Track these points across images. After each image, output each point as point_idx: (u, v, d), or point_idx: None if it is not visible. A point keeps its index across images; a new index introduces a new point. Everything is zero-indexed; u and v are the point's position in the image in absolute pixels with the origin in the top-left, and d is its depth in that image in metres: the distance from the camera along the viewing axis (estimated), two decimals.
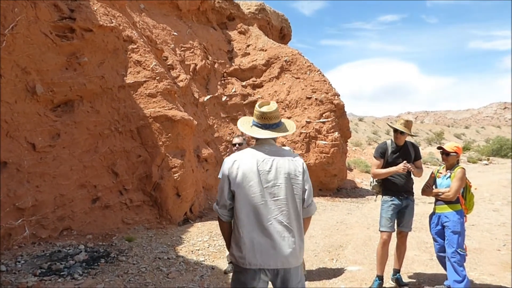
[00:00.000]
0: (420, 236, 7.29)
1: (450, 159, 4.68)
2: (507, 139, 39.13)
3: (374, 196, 5.11)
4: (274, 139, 2.86)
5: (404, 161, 4.74)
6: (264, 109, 2.81)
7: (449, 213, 4.60)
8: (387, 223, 4.79)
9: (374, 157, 4.97)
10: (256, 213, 2.64)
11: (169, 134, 8.42)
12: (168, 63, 10.91)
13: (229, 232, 2.81)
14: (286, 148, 5.32)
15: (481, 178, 16.79)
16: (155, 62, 8.85)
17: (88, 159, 7.40)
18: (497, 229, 7.76)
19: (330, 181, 13.48)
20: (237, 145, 5.24)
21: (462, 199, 4.56)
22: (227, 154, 13.02)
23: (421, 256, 6.05)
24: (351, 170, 19.72)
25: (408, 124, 4.89)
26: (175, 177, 8.30)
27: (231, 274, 5.37)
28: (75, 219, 6.93)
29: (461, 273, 4.44)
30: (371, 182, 5.11)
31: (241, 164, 2.71)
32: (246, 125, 2.92)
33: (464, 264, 4.51)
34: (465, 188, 4.58)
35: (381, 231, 4.88)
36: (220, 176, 2.93)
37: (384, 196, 4.88)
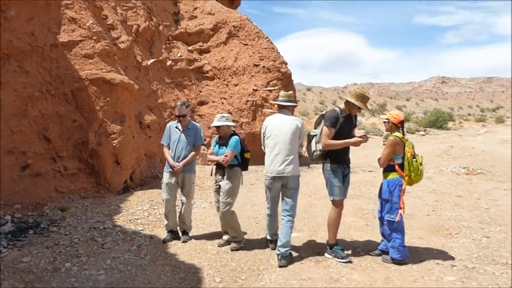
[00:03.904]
0: (358, 203, 7.50)
1: (385, 126, 4.83)
2: (443, 111, 41.39)
3: (309, 165, 5.07)
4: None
5: (364, 134, 4.73)
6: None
7: (383, 181, 4.72)
8: (340, 191, 4.70)
9: (327, 126, 4.59)
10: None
11: (107, 99, 7.96)
12: (108, 23, 10.22)
13: None
14: (226, 115, 5.20)
15: (417, 148, 17.47)
16: (92, 21, 8.23)
17: (16, 123, 6.83)
18: (428, 195, 8.14)
19: None
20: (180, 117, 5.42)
21: (398, 168, 4.58)
22: (171, 120, 12.63)
23: (357, 222, 6.22)
24: None
25: (367, 99, 4.87)
26: (113, 144, 7.92)
27: (170, 243, 5.28)
28: (1, 188, 6.43)
29: (393, 239, 4.53)
30: (313, 151, 4.82)
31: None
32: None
33: (397, 231, 4.53)
34: (404, 157, 4.60)
35: (337, 200, 4.69)
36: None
37: (332, 165, 4.72)
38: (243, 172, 5.25)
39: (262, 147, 5.08)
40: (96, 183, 7.94)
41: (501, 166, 11.92)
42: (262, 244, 5.26)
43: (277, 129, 4.81)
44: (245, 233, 5.67)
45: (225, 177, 5.05)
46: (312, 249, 5.03)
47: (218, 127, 5.13)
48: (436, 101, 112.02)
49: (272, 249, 4.99)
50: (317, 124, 4.93)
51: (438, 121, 36.13)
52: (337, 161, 4.73)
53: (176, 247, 5.10)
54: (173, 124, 5.58)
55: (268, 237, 5.15)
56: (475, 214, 6.62)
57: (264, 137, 5.00)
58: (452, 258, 4.65)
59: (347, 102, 4.75)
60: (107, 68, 8.18)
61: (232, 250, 4.99)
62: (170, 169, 5.37)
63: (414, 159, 4.52)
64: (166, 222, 5.49)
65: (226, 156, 4.93)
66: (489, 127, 40.15)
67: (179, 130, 5.45)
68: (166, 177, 5.42)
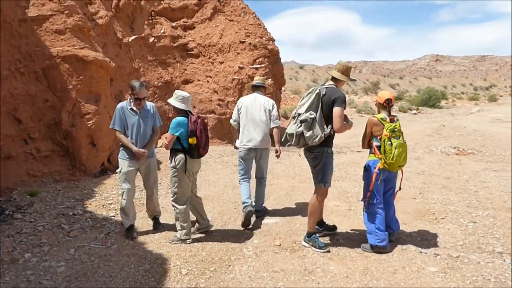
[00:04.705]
0: (343, 185, 7.24)
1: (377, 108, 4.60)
2: (436, 90, 41.11)
3: (299, 150, 4.53)
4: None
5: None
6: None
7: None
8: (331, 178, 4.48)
9: (343, 108, 4.15)
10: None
11: (81, 77, 7.56)
12: None
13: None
14: (181, 95, 4.65)
15: (408, 127, 17.34)
16: None
17: None
18: (416, 177, 7.90)
19: None
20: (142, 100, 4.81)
21: (375, 149, 4.38)
22: (155, 100, 12.25)
23: (340, 207, 5.95)
24: (287, 118, 19.64)
25: (350, 70, 4.49)
26: (88, 125, 7.55)
27: (139, 230, 4.95)
28: None
29: (367, 225, 4.36)
30: (318, 136, 4.13)
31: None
32: None
33: (369, 215, 4.37)
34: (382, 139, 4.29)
35: (327, 187, 4.41)
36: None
37: (328, 149, 4.36)
38: (228, 154, 4.92)
39: (232, 120, 5.63)
40: (71, 165, 7.60)
41: (492, 146, 11.71)
42: (237, 232, 4.98)
43: (253, 107, 5.43)
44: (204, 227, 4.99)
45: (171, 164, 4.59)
46: (289, 236, 4.75)
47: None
48: (429, 80, 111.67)
49: (244, 218, 5.17)
50: (315, 106, 4.18)
51: (431, 100, 35.84)
52: (331, 145, 4.42)
53: (146, 236, 4.81)
54: (125, 105, 4.80)
55: (243, 208, 5.31)
56: (462, 197, 6.38)
57: (239, 113, 5.52)
58: (436, 246, 4.40)
59: (335, 79, 4.38)
60: (80, 45, 7.74)
61: (169, 242, 4.57)
62: (129, 156, 4.76)
63: (389, 142, 4.18)
64: (125, 216, 4.79)
65: (166, 138, 4.48)
66: (482, 105, 40.03)
67: (135, 112, 4.80)
68: (125, 166, 4.74)
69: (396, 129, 4.24)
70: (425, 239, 4.60)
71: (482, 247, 4.38)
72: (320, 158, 4.30)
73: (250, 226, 5.11)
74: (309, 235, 4.41)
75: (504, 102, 47.29)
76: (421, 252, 4.20)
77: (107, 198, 6.22)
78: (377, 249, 4.23)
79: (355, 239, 4.65)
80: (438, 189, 6.91)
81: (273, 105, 5.47)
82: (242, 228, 5.07)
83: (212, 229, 5.01)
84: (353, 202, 6.19)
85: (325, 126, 4.17)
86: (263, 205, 5.75)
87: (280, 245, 4.45)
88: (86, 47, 7.84)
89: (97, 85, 7.88)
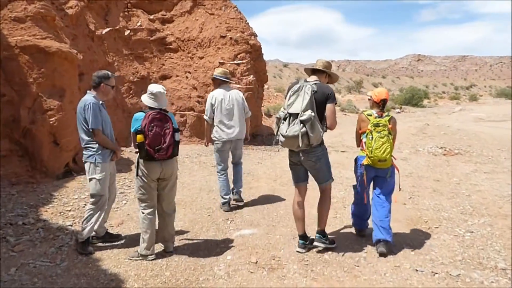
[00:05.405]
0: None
1: (369, 103, 4.57)
2: (418, 89, 41.20)
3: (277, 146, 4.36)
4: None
5: None
6: None
7: None
8: None
9: (335, 104, 4.04)
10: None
11: (42, 69, 6.87)
12: None
13: None
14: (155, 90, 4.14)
15: None
16: None
17: None
18: (404, 180, 7.42)
19: None
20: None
21: (362, 145, 4.39)
22: (130, 96, 11.58)
23: None
24: (270, 116, 19.10)
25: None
26: (51, 122, 6.87)
27: (96, 245, 4.32)
28: None
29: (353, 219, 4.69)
30: (322, 132, 4.01)
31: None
32: None
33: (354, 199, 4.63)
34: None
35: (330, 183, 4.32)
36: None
37: (323, 145, 4.16)
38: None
39: (205, 116, 5.79)
40: (31, 167, 6.91)
41: (478, 145, 11.40)
42: (209, 245, 4.40)
43: (227, 100, 5.68)
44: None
45: None
46: (267, 250, 4.18)
47: None
48: (411, 79, 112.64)
49: (224, 211, 5.55)
50: (311, 103, 3.86)
51: (414, 99, 35.82)
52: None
53: (103, 250, 4.19)
54: (95, 101, 4.17)
55: (222, 200, 5.64)
56: (455, 203, 5.93)
57: (213, 108, 5.66)
58: (433, 262, 3.91)
59: (325, 75, 4.23)
60: (42, 35, 7.05)
61: (129, 258, 3.98)
62: (108, 158, 4.20)
63: (371, 136, 4.15)
64: (95, 228, 4.18)
65: None
66: (464, 105, 40.17)
67: (104, 107, 4.28)
68: (106, 168, 4.18)
69: (380, 124, 4.17)
70: (420, 253, 4.10)
71: (483, 262, 3.91)
72: (322, 156, 4.13)
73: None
74: (324, 233, 4.28)
75: (484, 102, 47.74)
76: (416, 270, 3.69)
77: (67, 204, 5.58)
78: (358, 233, 4.66)
79: (342, 254, 4.11)
80: (429, 193, 6.45)
81: (243, 98, 5.88)
82: (214, 238, 4.50)
83: (180, 241, 4.42)
84: (338, 208, 5.67)
85: (321, 124, 3.98)
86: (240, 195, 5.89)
87: (256, 262, 3.87)
88: (49, 37, 7.15)
89: (61, 79, 7.19)
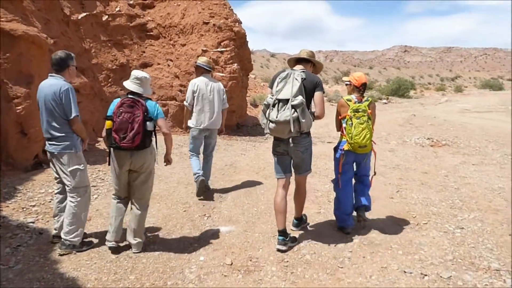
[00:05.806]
0: (312, 182, 6.40)
1: (347, 89, 4.53)
2: (405, 80, 41.19)
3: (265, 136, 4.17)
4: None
5: None
6: None
7: None
8: None
9: (322, 92, 3.95)
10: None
11: (7, 54, 6.40)
12: None
13: None
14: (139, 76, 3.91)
15: (379, 116, 16.68)
16: None
17: None
18: (391, 172, 7.20)
19: (228, 118, 12.21)
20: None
21: (343, 131, 4.33)
22: (109, 84, 11.10)
23: (308, 209, 5.02)
24: (256, 106, 18.74)
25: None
26: (18, 110, 6.43)
27: (58, 245, 3.95)
28: None
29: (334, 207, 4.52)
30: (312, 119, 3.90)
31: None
32: None
33: (335, 199, 4.50)
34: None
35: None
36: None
37: (310, 136, 4.09)
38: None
39: (186, 102, 5.75)
40: None
41: (465, 136, 11.22)
42: (182, 243, 4.06)
43: (208, 90, 5.74)
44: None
45: None
46: (244, 250, 3.86)
47: None
48: (398, 70, 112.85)
49: (198, 188, 5.54)
50: (300, 90, 3.72)
51: (400, 89, 35.79)
52: None
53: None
54: (71, 85, 3.80)
55: (195, 177, 5.64)
56: (444, 196, 5.68)
57: (194, 95, 5.69)
58: (422, 262, 3.64)
59: (310, 64, 4.17)
60: (7, 17, 6.57)
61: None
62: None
63: (350, 122, 4.15)
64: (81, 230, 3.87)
65: None
66: (449, 96, 40.26)
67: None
68: (84, 159, 3.92)
69: (360, 110, 4.17)
70: (408, 253, 3.82)
71: (476, 262, 3.64)
72: (309, 147, 4.06)
73: (202, 197, 5.57)
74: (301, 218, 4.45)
75: (469, 93, 47.98)
76: (405, 272, 3.41)
77: (31, 199, 5.17)
78: (341, 230, 4.40)
79: (325, 254, 3.81)
80: (417, 187, 6.20)
81: (223, 90, 5.97)
82: (188, 236, 4.17)
83: (150, 240, 4.08)
84: (323, 203, 5.38)
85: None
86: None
87: (231, 264, 3.55)
88: (15, 20, 6.66)
89: (28, 65, 6.73)
